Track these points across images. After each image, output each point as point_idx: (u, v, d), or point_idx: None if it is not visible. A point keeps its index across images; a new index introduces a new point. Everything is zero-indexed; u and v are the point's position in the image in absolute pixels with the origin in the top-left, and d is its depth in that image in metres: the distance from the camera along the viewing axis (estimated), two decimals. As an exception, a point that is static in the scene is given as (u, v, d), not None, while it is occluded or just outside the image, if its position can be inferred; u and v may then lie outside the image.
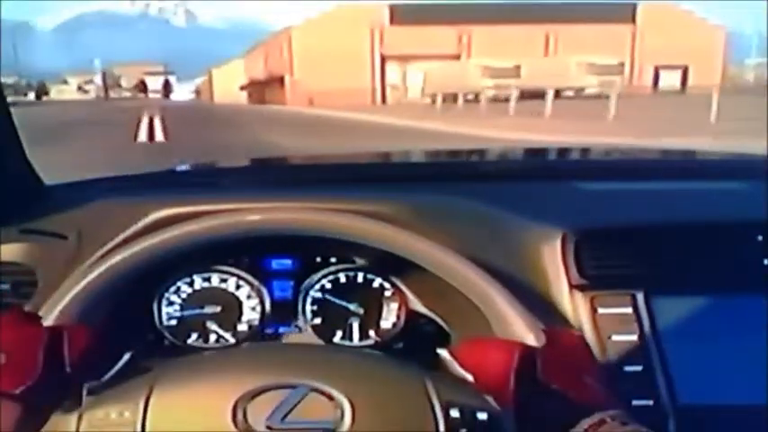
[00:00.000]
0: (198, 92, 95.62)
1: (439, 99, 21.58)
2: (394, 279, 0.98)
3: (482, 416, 0.62)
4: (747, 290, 0.81)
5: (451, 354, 0.80)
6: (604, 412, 0.61)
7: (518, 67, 29.84)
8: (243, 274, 0.96)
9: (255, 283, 0.96)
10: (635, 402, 0.75)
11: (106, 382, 0.65)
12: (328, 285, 0.98)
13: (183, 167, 1.44)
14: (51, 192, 0.97)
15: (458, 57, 36.64)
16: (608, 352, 0.77)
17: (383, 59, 38.79)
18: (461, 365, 0.74)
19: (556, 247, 0.83)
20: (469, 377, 0.72)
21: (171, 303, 0.95)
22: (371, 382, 0.64)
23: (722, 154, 1.59)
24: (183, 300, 0.95)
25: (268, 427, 0.59)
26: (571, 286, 0.81)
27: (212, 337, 0.95)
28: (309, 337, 0.97)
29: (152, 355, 0.81)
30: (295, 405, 0.60)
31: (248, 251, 0.96)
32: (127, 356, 0.73)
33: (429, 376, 0.65)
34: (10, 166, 0.85)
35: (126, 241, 0.80)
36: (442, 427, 0.60)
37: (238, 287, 0.96)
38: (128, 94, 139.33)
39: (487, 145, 8.22)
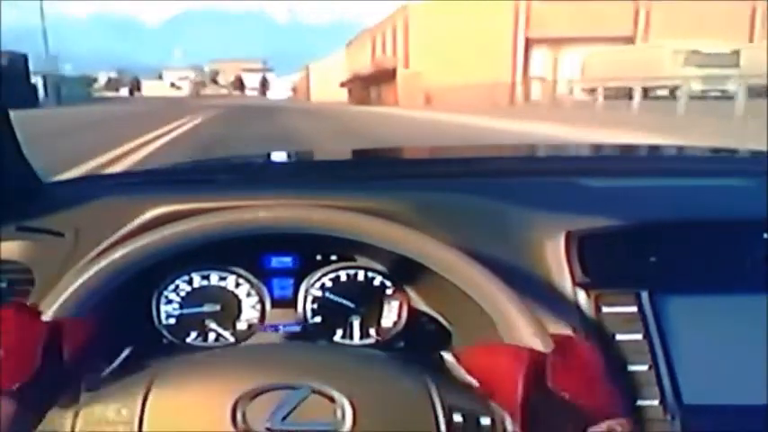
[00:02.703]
0: (294, 89, 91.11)
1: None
2: (395, 277, 1.03)
3: (485, 421, 0.65)
4: (753, 288, 0.83)
5: (456, 357, 0.84)
6: (611, 421, 0.62)
7: (736, 53, 21.05)
8: (242, 272, 1.04)
9: (255, 281, 1.04)
10: (640, 402, 0.80)
11: (104, 378, 0.71)
12: (329, 283, 1.04)
13: (182, 164, 1.52)
14: (49, 189, 1.07)
15: (630, 39, 28.28)
16: (612, 351, 0.81)
17: (528, 44, 30.85)
18: (466, 369, 0.77)
19: (559, 244, 0.88)
20: (474, 382, 0.75)
21: (170, 302, 1.03)
22: (373, 384, 0.67)
23: (729, 151, 1.64)
24: (182, 298, 1.03)
25: (268, 429, 0.61)
26: (575, 284, 0.86)
27: (211, 336, 1.03)
28: (309, 335, 1.04)
29: (150, 353, 0.85)
30: (295, 406, 0.62)
31: (248, 249, 1.02)
32: (126, 352, 0.78)
33: (432, 379, 0.68)
34: (7, 164, 0.92)
35: (124, 239, 0.85)
36: (444, 431, 0.63)
37: (238, 285, 1.04)
38: (224, 91, 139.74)
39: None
